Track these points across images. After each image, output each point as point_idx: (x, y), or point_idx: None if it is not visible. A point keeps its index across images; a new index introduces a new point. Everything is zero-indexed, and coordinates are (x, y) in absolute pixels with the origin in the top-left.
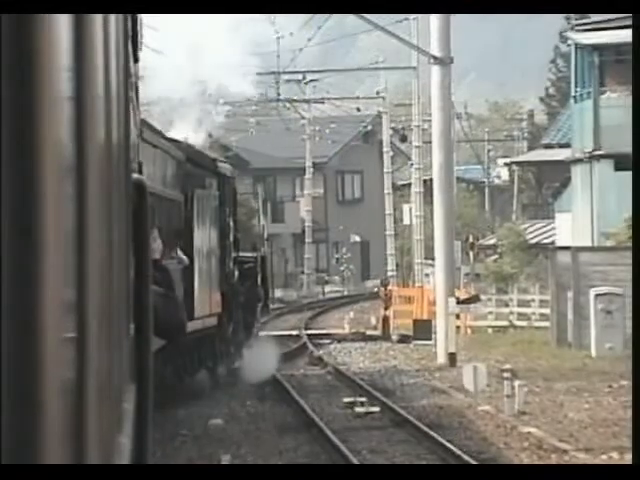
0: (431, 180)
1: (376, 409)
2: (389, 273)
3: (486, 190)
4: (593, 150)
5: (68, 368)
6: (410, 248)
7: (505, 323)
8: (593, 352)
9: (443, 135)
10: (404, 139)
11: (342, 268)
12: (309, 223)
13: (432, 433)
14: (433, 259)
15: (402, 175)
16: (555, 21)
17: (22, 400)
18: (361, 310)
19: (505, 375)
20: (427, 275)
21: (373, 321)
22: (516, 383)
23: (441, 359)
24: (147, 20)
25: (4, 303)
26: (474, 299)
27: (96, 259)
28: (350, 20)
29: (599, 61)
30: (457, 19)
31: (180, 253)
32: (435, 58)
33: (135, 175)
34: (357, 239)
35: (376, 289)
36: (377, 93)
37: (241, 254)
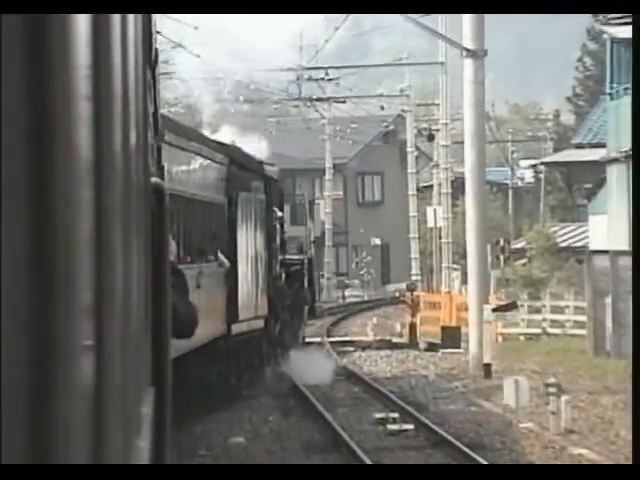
0: (454, 181)
1: (410, 426)
2: (413, 277)
3: (509, 192)
4: (630, 149)
5: (86, 371)
6: (432, 252)
7: (538, 330)
8: None
9: (475, 134)
10: (431, 138)
11: (362, 272)
12: (329, 226)
13: (474, 455)
14: (457, 263)
15: (421, 177)
16: (573, 22)
17: (40, 403)
18: (384, 315)
19: (550, 390)
20: (452, 280)
21: (398, 327)
22: (562, 399)
23: (474, 370)
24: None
25: (23, 307)
26: (511, 306)
27: (114, 262)
28: (367, 22)
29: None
30: None
31: (221, 256)
32: (468, 51)
33: (154, 179)
34: (377, 242)
35: (397, 294)
36: (401, 91)
37: (288, 256)
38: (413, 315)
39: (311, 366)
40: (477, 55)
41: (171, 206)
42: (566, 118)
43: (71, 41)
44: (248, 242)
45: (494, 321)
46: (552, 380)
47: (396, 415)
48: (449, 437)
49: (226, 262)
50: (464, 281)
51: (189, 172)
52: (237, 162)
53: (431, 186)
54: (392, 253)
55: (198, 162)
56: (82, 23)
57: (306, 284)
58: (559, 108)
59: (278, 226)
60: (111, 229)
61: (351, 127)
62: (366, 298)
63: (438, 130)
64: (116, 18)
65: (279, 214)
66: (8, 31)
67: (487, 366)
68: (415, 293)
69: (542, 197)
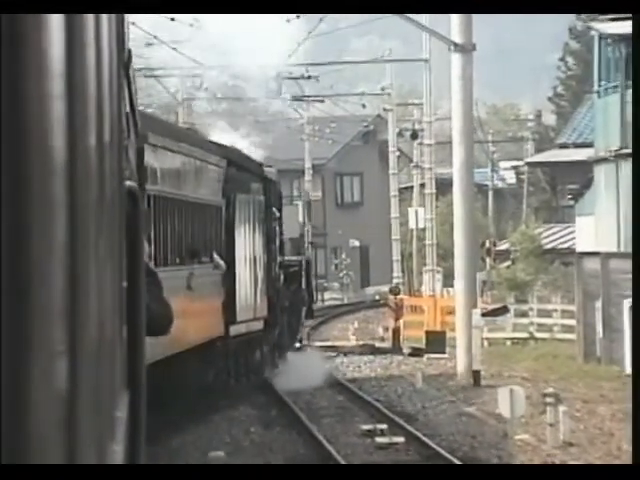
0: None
1: (400, 439)
2: (395, 280)
3: (489, 194)
4: (619, 148)
5: (60, 375)
6: (411, 254)
7: (525, 335)
8: (627, 368)
9: (464, 131)
10: (415, 136)
11: (341, 274)
12: (308, 227)
13: None
14: (438, 265)
15: (400, 178)
16: (552, 21)
17: (12, 407)
18: (365, 319)
19: (547, 400)
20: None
21: (380, 332)
22: (560, 409)
23: (463, 377)
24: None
25: None
26: (501, 311)
27: (88, 265)
28: (342, 23)
29: (626, 52)
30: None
31: (217, 258)
32: (456, 45)
33: (128, 182)
34: (356, 244)
35: (377, 297)
36: (382, 89)
37: (286, 258)
38: (397, 319)
39: (292, 372)
40: (465, 49)
41: (158, 208)
42: (547, 118)
43: (44, 41)
44: (246, 243)
45: (483, 326)
46: (549, 390)
47: (384, 426)
48: (442, 451)
49: (222, 264)
50: (446, 284)
51: (180, 174)
52: (235, 163)
53: (410, 187)
54: (371, 255)
55: (191, 164)
56: (55, 23)
57: (304, 285)
58: (540, 108)
59: (277, 227)
60: (85, 232)
61: (330, 126)
62: (346, 301)
63: (422, 129)
64: (89, 17)
65: (278, 215)
66: None
67: (476, 373)
68: (399, 297)
69: (524, 198)
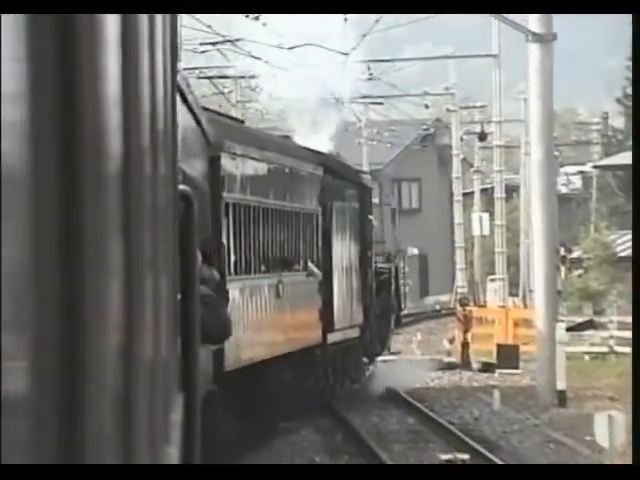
0: (487, 189)
1: None
2: (460, 290)
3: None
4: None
5: (116, 379)
6: (472, 262)
7: (604, 349)
8: None
9: (544, 129)
10: (483, 137)
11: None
12: (397, 234)
13: None
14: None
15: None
16: (612, 19)
17: (70, 411)
18: (428, 331)
19: None
20: (495, 292)
21: (446, 344)
22: None
23: (545, 396)
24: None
25: (53, 314)
26: (586, 325)
27: (142, 273)
28: (395, 32)
29: None
30: None
31: (311, 265)
32: (534, 34)
33: (181, 186)
34: (415, 252)
35: (437, 306)
36: (446, 89)
37: (378, 265)
38: (465, 332)
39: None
40: (545, 39)
41: (239, 216)
42: (614, 121)
43: (99, 42)
44: (343, 251)
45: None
46: None
47: (466, 456)
48: None
49: (316, 271)
50: (512, 293)
51: (267, 182)
52: (332, 170)
53: (470, 193)
54: (430, 263)
55: (279, 172)
56: (110, 24)
57: (393, 293)
58: (606, 110)
59: (372, 235)
60: (140, 239)
61: (389, 129)
62: (405, 311)
63: (491, 132)
64: (144, 21)
65: (374, 223)
66: (39, 30)
67: (562, 393)
68: (468, 308)
69: (593, 203)
